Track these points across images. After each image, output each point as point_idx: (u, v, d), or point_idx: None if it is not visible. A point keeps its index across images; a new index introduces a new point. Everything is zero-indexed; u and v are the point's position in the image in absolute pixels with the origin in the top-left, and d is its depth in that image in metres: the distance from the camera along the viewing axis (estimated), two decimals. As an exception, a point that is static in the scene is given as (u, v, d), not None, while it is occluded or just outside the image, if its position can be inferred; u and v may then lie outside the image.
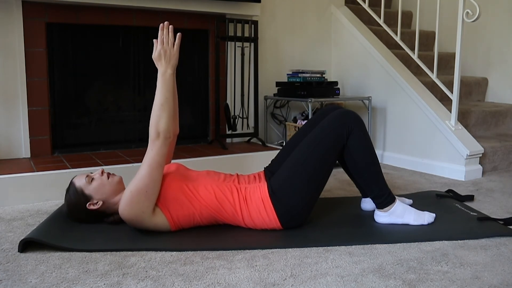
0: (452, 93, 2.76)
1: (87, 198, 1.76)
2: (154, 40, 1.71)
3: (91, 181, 1.77)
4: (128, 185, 1.68)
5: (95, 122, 2.91)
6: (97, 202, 1.76)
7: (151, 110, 1.70)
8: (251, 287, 1.33)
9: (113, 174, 1.82)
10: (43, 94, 2.66)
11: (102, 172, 1.80)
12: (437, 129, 2.86)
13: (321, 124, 1.81)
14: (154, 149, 1.65)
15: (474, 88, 3.69)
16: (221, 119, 3.17)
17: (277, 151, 2.16)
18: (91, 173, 1.82)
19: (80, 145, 2.85)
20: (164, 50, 1.69)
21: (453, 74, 2.76)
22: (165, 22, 1.70)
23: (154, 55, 1.70)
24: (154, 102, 1.68)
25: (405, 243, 1.67)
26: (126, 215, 1.67)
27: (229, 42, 3.15)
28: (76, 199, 1.76)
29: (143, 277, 1.39)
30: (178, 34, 1.74)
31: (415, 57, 3.04)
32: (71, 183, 1.79)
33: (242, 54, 3.18)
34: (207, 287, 1.33)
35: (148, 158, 1.66)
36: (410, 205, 1.97)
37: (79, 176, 1.80)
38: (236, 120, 3.17)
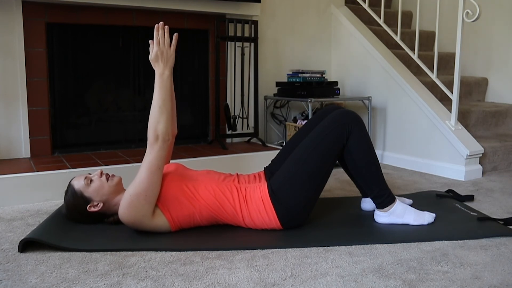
0: (452, 93, 2.76)
1: (87, 201, 1.75)
2: (150, 41, 1.69)
3: (90, 182, 1.75)
4: (127, 188, 1.67)
5: (95, 122, 2.91)
6: (97, 204, 1.75)
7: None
8: (251, 287, 1.33)
9: (112, 175, 1.80)
10: (43, 94, 2.66)
11: (101, 174, 1.77)
12: (437, 129, 2.86)
13: (321, 124, 1.81)
14: (153, 152, 1.64)
15: (474, 88, 3.69)
16: (221, 119, 3.17)
17: (277, 151, 2.16)
18: (90, 174, 1.81)
19: (80, 145, 2.85)
20: (161, 51, 1.67)
21: (453, 74, 2.76)
22: (160, 23, 1.68)
23: (151, 57, 1.68)
24: (152, 104, 1.66)
25: (405, 243, 1.67)
26: (126, 219, 1.66)
27: (229, 42, 3.15)
28: (75, 201, 1.75)
29: (143, 277, 1.39)
30: (175, 34, 1.73)
31: (415, 57, 3.04)
32: (70, 185, 1.77)
33: (242, 54, 3.18)
34: (207, 287, 1.33)
35: (147, 161, 1.65)
36: (410, 205, 1.97)
37: (78, 178, 1.78)
38: (236, 120, 3.17)
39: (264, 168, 1.97)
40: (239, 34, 3.17)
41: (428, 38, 4.05)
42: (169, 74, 1.69)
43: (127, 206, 1.64)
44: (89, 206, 1.75)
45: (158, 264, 1.49)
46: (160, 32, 1.68)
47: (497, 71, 3.73)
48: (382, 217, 1.86)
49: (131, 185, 1.65)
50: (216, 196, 1.72)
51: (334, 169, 2.78)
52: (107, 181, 1.76)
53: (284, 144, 3.35)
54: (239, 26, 3.18)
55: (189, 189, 1.72)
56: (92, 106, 2.89)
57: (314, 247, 1.63)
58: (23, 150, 2.64)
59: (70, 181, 1.79)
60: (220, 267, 1.46)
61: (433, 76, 2.92)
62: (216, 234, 1.73)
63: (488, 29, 3.77)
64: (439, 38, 3.12)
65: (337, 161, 1.87)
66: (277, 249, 1.61)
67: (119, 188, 1.79)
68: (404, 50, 3.19)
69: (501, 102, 3.68)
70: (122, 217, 1.67)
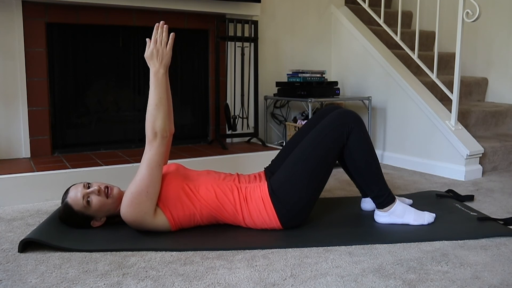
0: (452, 93, 2.76)
1: (90, 218, 1.73)
2: (148, 39, 1.70)
3: (88, 203, 1.68)
4: (128, 187, 1.67)
5: (95, 122, 2.91)
6: (101, 218, 1.75)
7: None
8: (251, 287, 1.33)
9: (110, 187, 1.74)
10: (43, 94, 2.66)
11: (99, 191, 1.70)
12: (437, 129, 2.86)
13: (321, 124, 1.81)
14: (152, 149, 1.65)
15: (474, 88, 3.69)
16: (221, 119, 3.17)
17: (277, 151, 2.17)
18: (88, 184, 1.72)
19: (80, 145, 2.85)
20: (157, 49, 1.69)
21: (453, 74, 2.76)
22: (161, 22, 1.71)
23: (147, 54, 1.70)
24: (148, 103, 1.67)
25: (405, 243, 1.67)
26: (128, 217, 1.66)
27: (229, 42, 3.15)
28: (77, 220, 1.72)
29: (143, 277, 1.39)
30: (172, 34, 1.74)
31: (415, 57, 3.04)
32: (68, 207, 1.70)
33: (242, 54, 3.18)
34: (207, 287, 1.33)
35: (147, 158, 1.65)
36: (410, 205, 1.97)
37: (74, 198, 1.69)
38: (236, 120, 3.17)
39: (264, 168, 1.97)
40: (239, 34, 3.17)
41: (428, 38, 4.05)
42: (164, 73, 1.70)
43: (129, 204, 1.64)
44: (93, 222, 1.74)
45: (158, 264, 1.49)
46: (159, 30, 1.70)
47: (497, 71, 3.73)
48: (382, 217, 1.86)
49: (132, 183, 1.65)
50: (217, 195, 1.73)
51: (334, 169, 2.78)
52: (107, 197, 1.71)
53: (284, 144, 3.35)
54: (239, 26, 3.18)
55: (190, 189, 1.72)
56: (92, 106, 2.89)
57: (314, 247, 1.63)
58: (23, 150, 2.64)
59: (66, 201, 1.71)
60: (220, 267, 1.46)
61: (433, 76, 2.92)
62: (216, 234, 1.73)
63: (488, 29, 3.76)
64: (439, 38, 3.12)
65: (337, 161, 1.87)
66: (277, 249, 1.61)
67: (120, 197, 1.74)
68: (404, 50, 3.19)
69: (501, 102, 3.68)
70: (124, 216, 1.66)
